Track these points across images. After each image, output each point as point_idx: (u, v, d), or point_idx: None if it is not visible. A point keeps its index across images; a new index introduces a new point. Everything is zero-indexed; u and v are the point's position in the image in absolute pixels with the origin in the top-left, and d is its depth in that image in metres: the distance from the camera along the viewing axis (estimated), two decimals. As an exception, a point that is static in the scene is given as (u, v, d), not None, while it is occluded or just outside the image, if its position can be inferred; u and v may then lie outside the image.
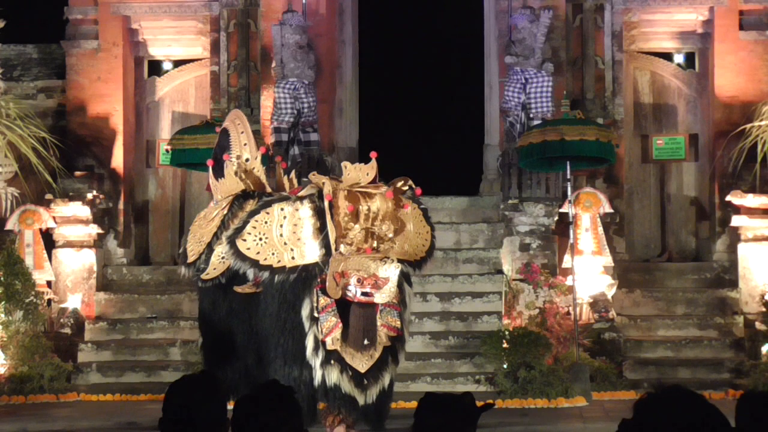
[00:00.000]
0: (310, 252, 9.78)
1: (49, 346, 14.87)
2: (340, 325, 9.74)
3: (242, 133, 11.04)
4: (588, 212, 15.55)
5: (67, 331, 15.59)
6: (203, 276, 10.59)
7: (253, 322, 10.41)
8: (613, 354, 14.61)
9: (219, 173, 10.93)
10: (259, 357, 10.36)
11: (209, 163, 11.10)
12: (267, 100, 16.73)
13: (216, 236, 10.52)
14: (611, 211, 15.84)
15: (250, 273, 10.01)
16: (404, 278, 9.93)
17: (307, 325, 9.76)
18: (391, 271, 9.54)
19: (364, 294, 9.58)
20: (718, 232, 16.53)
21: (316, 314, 9.76)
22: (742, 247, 15.79)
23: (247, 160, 10.90)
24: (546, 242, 15.61)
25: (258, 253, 9.83)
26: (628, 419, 3.34)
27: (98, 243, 16.55)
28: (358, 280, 9.56)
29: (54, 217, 16.10)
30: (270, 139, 16.28)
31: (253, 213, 10.01)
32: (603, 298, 15.26)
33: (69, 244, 16.32)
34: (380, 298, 9.61)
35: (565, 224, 15.23)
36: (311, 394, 9.84)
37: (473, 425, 4.08)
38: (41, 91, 17.55)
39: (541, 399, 13.33)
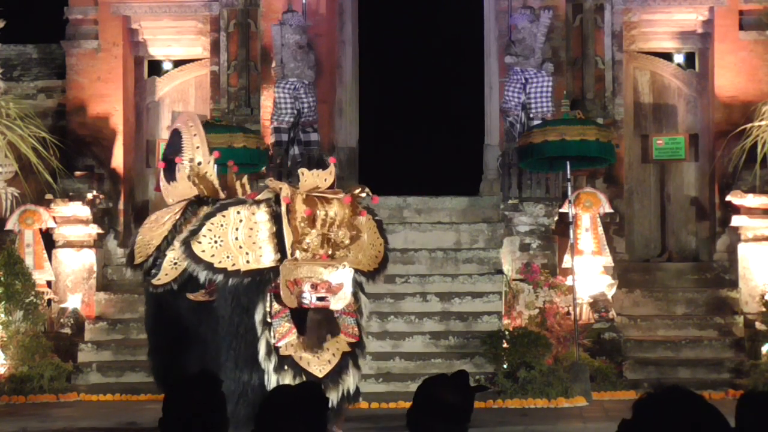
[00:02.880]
0: (265, 256, 9.73)
1: (49, 346, 14.86)
2: (294, 330, 9.70)
3: (195, 135, 10.90)
4: (588, 212, 15.55)
5: (67, 331, 15.59)
6: (154, 281, 10.42)
7: (201, 330, 10.27)
8: (613, 354, 14.60)
9: (170, 176, 10.81)
10: (203, 364, 10.21)
11: (160, 165, 10.98)
12: (267, 100, 16.73)
13: (167, 241, 10.35)
14: (611, 211, 15.84)
15: (203, 275, 9.81)
16: (359, 287, 9.90)
17: (259, 329, 9.67)
18: (344, 276, 9.49)
19: (319, 299, 9.52)
20: (718, 232, 16.53)
21: (269, 319, 9.72)
22: (742, 247, 15.79)
23: (199, 163, 10.76)
24: (546, 242, 15.62)
25: (212, 255, 9.68)
26: (628, 419, 3.34)
27: (98, 243, 16.54)
28: (312, 286, 9.51)
29: (54, 217, 16.10)
30: (270, 139, 16.29)
31: (209, 216, 9.87)
32: (603, 298, 15.26)
33: (69, 244, 16.32)
34: (336, 303, 9.53)
35: (565, 224, 15.23)
36: (259, 399, 9.75)
37: (470, 402, 4.13)
38: (41, 91, 17.54)
39: (541, 399, 13.32)
